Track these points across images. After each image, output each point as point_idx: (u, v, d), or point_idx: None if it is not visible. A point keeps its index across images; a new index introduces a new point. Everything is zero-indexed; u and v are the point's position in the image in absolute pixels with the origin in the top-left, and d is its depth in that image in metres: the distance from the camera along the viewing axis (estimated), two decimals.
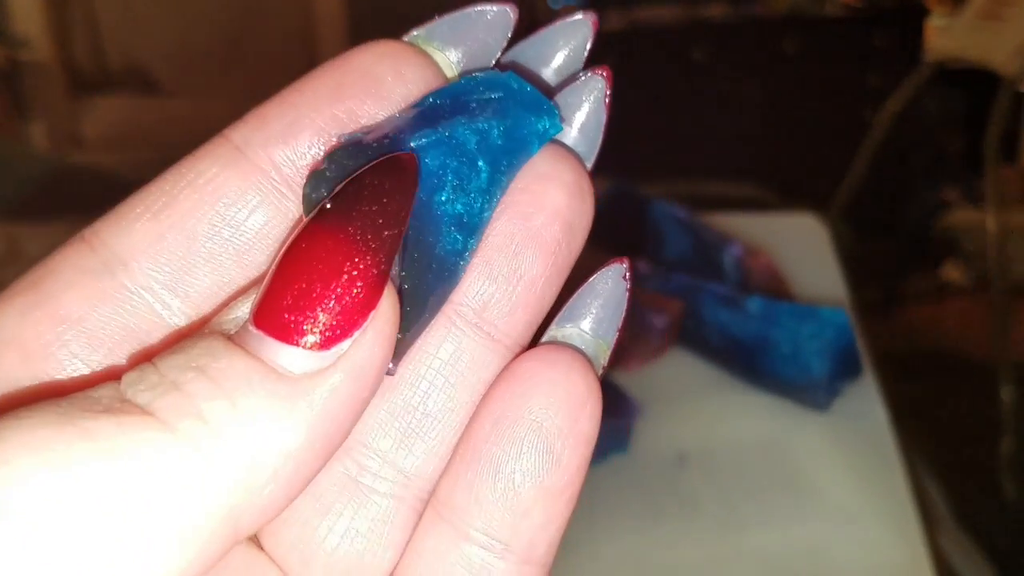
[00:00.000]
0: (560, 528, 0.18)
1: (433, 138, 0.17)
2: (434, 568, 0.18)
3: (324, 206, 0.15)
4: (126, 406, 0.13)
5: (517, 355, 0.18)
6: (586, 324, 0.19)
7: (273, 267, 0.15)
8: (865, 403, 0.62)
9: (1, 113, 1.72)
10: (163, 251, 0.17)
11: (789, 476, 0.57)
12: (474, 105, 0.17)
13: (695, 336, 0.66)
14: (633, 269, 0.19)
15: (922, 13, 1.36)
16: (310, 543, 0.18)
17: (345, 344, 0.15)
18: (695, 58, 1.90)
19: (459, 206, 0.17)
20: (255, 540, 0.18)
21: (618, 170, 0.76)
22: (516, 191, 0.18)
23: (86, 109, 1.79)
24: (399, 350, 0.17)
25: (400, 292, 0.17)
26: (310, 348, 0.14)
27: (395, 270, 0.17)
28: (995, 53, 1.09)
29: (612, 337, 0.19)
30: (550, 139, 0.18)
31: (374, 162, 0.16)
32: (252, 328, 0.15)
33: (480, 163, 0.17)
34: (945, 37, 1.22)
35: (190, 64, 1.84)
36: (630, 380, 0.63)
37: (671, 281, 0.68)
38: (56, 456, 0.12)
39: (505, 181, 0.18)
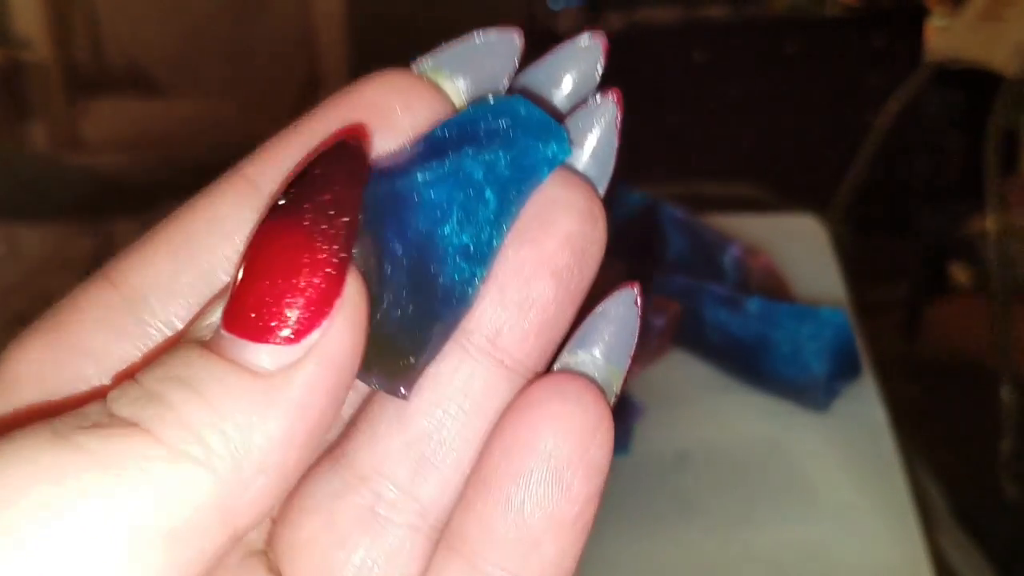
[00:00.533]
0: (574, 559, 0.18)
1: (440, 172, 0.17)
2: None
3: (277, 203, 0.15)
4: (113, 420, 0.14)
5: (530, 382, 0.18)
6: (598, 350, 0.18)
7: (237, 270, 0.15)
8: (865, 403, 0.62)
9: (1, 113, 1.72)
10: (182, 288, 0.17)
11: (789, 476, 0.57)
12: (482, 134, 0.17)
13: (695, 336, 0.66)
14: (643, 294, 0.19)
15: (922, 13, 1.36)
16: (327, 575, 0.18)
17: (315, 335, 0.15)
18: (695, 58, 1.90)
19: (466, 237, 0.17)
20: (275, 573, 0.19)
21: (618, 170, 0.76)
22: (527, 217, 0.18)
23: (86, 110, 1.79)
24: (411, 377, 0.17)
25: (401, 318, 0.17)
26: (281, 344, 0.15)
27: (396, 300, 0.17)
28: (995, 53, 1.09)
29: (624, 364, 0.19)
30: (560, 164, 0.18)
31: (321, 150, 0.16)
32: (224, 332, 0.15)
33: (488, 194, 0.17)
34: (945, 37, 1.22)
35: (190, 64, 1.84)
36: (630, 381, 0.63)
37: (671, 281, 0.68)
38: (50, 470, 0.13)
39: (515, 209, 0.18)
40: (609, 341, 0.19)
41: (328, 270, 0.15)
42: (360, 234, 0.16)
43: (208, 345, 0.15)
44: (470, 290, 0.17)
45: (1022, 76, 1.06)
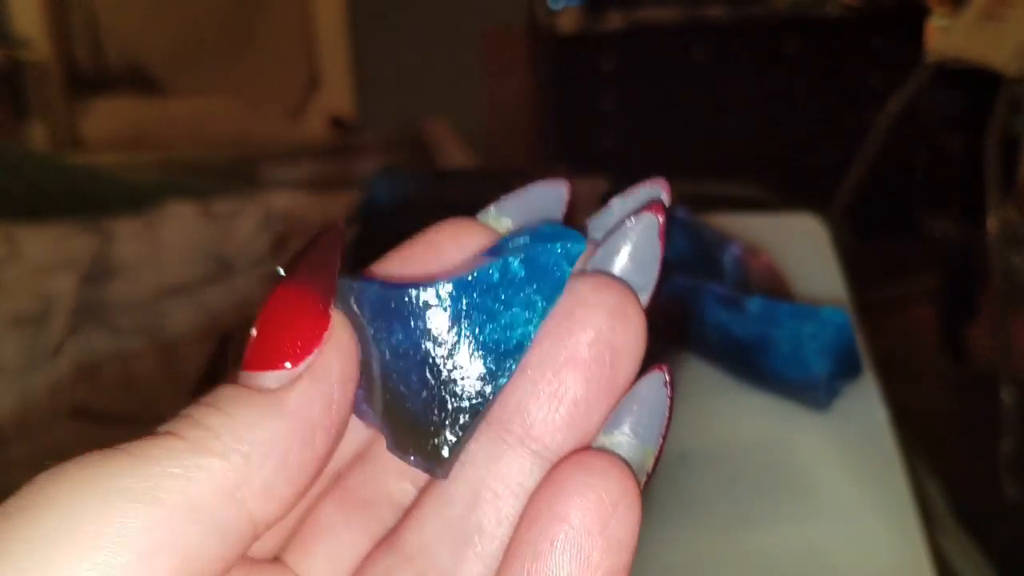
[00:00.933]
0: None
1: (455, 283, 0.19)
2: None
3: (278, 273, 0.19)
4: (151, 434, 0.17)
5: (560, 460, 0.19)
6: (630, 430, 0.19)
7: (252, 329, 0.19)
8: (865, 403, 0.62)
9: (1, 113, 1.72)
10: None
11: (789, 476, 0.57)
12: (503, 250, 0.20)
13: (695, 336, 0.66)
14: (672, 376, 0.20)
15: (922, 13, 1.36)
16: None
17: (309, 359, 0.19)
18: (695, 58, 1.90)
19: (484, 336, 0.19)
20: None
21: (619, 169, 0.76)
22: (559, 316, 0.19)
23: (86, 109, 1.79)
24: (448, 462, 0.19)
25: (418, 403, 0.20)
26: (283, 369, 0.18)
27: (407, 384, 0.20)
28: (995, 53, 1.09)
29: (656, 443, 0.19)
30: (577, 256, 0.19)
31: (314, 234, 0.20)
32: (243, 372, 0.19)
33: (504, 296, 0.19)
34: (945, 37, 1.22)
35: (190, 64, 1.84)
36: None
37: (671, 281, 0.68)
38: (93, 461, 0.16)
39: (540, 306, 0.19)
40: (642, 421, 0.19)
41: (314, 311, 0.19)
42: (363, 328, 0.20)
43: (231, 381, 0.19)
44: (493, 382, 0.19)
45: (1022, 76, 1.06)
